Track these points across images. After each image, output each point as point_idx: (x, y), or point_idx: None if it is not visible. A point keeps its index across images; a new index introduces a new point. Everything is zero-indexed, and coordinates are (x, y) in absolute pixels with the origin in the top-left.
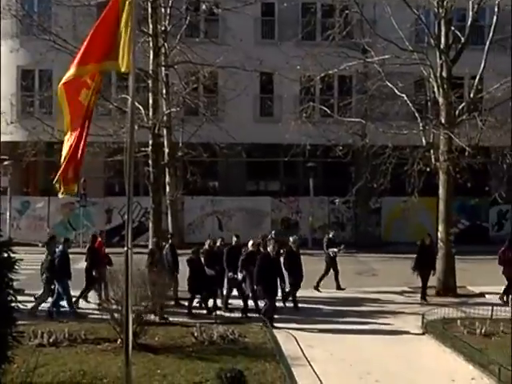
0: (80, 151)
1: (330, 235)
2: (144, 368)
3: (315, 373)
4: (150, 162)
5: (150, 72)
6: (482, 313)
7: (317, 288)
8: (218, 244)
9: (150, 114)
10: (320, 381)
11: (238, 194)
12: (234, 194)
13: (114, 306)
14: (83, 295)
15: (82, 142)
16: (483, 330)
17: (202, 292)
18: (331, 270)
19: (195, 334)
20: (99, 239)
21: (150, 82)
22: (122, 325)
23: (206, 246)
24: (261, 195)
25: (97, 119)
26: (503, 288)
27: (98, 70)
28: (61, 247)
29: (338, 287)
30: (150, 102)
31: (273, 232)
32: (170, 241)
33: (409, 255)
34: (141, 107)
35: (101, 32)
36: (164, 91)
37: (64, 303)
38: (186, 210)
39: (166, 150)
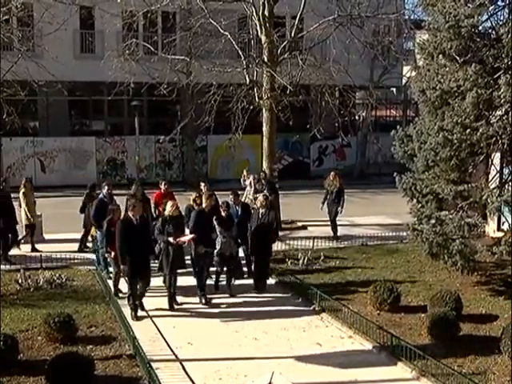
0: None
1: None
2: None
3: (145, 310)
4: None
5: None
6: (305, 244)
7: None
8: None
9: None
10: (149, 316)
11: (60, 134)
12: (56, 134)
13: None
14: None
15: None
16: (305, 261)
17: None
18: None
19: (20, 281)
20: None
21: None
22: None
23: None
24: (85, 135)
25: None
26: None
27: None
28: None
29: None
30: None
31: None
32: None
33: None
34: None
35: None
36: None
37: None
38: (5, 152)
39: None
